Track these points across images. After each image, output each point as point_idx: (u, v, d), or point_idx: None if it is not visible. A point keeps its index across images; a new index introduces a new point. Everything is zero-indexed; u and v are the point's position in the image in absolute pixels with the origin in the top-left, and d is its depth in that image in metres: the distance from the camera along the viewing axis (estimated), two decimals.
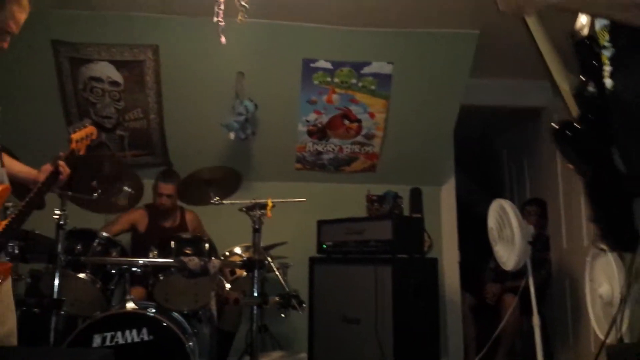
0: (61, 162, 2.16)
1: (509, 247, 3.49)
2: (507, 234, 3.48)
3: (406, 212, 4.75)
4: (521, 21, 1.36)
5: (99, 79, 4.02)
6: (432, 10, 3.72)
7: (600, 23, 1.33)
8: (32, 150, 3.62)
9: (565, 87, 1.36)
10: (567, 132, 1.33)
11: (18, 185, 2.12)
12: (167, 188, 3.92)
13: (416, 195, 4.81)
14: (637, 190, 1.22)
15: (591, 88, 1.32)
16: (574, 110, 1.34)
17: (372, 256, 3.84)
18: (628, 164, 1.25)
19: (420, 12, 3.75)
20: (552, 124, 1.35)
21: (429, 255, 4.45)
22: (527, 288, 3.53)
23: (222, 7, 2.79)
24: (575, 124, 1.32)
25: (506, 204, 3.51)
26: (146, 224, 3.99)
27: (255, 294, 3.00)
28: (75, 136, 2.33)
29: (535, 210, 4.61)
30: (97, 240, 3.10)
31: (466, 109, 4.50)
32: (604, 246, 1.49)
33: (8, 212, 2.28)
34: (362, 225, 4.00)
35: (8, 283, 1.99)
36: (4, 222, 1.91)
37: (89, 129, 2.43)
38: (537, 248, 3.87)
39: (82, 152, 2.39)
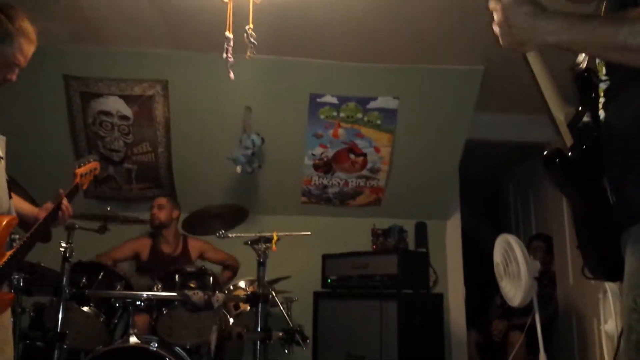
0: (64, 201, 2.16)
1: (515, 283, 3.46)
2: (513, 270, 3.45)
3: (411, 247, 4.73)
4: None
5: (108, 113, 4.08)
6: (437, 47, 3.78)
7: None
8: (39, 182, 3.67)
9: (560, 116, 1.39)
10: (558, 159, 1.34)
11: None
12: (159, 200, 4.05)
13: (421, 230, 4.79)
14: (626, 222, 1.23)
15: (587, 118, 1.34)
16: (568, 140, 1.36)
17: (377, 291, 3.82)
18: (617, 195, 1.27)
19: (425, 49, 3.81)
20: (544, 151, 1.37)
21: (434, 291, 4.42)
22: (533, 325, 3.49)
23: (231, 43, 2.85)
24: (566, 152, 1.34)
25: (512, 239, 3.50)
26: (148, 251, 4.02)
27: (259, 329, 2.98)
28: (79, 171, 2.40)
29: (542, 246, 4.58)
30: (102, 273, 3.11)
31: (472, 144, 4.53)
32: (588, 275, 1.48)
33: (14, 244, 2.29)
34: (367, 260, 3.99)
35: (7, 314, 2.00)
36: (9, 253, 1.92)
37: (93, 164, 2.49)
38: (543, 284, 3.84)
39: (85, 187, 2.45)
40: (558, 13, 1.19)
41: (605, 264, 1.37)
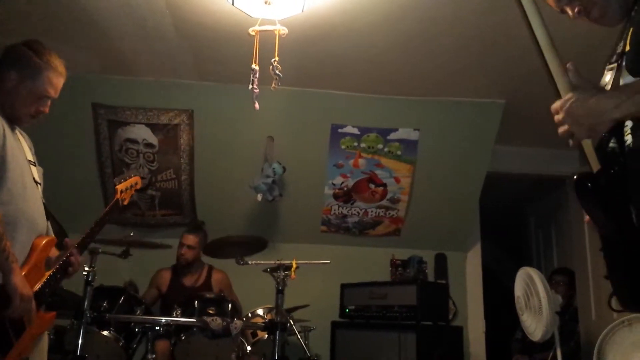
0: (74, 257, 2.01)
1: (536, 317, 3.42)
2: (535, 303, 3.41)
3: (431, 278, 4.70)
4: (545, 68, 1.41)
5: (134, 141, 4.18)
6: (458, 80, 3.82)
7: (624, 80, 1.38)
8: (66, 208, 3.75)
9: (587, 140, 1.39)
10: (588, 183, 1.35)
11: None
12: (189, 239, 4.03)
13: (441, 261, 4.77)
14: None
15: (612, 143, 1.35)
16: (595, 164, 1.35)
17: (395, 322, 3.79)
18: None
19: (446, 82, 3.85)
20: (575, 175, 1.37)
21: (454, 323, 4.37)
22: None
23: (257, 75, 2.90)
24: (596, 176, 1.34)
25: (533, 273, 3.47)
26: (168, 282, 4.04)
27: (276, 358, 2.98)
28: (120, 187, 2.39)
29: (563, 280, 4.50)
30: (122, 298, 3.15)
31: (493, 176, 4.52)
32: (616, 307, 1.45)
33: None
34: (386, 290, 3.98)
35: (45, 339, 2.01)
36: (48, 273, 1.94)
37: (134, 179, 2.49)
38: (565, 319, 3.77)
39: (126, 202, 2.43)
40: (613, 91, 1.27)
41: (635, 293, 1.36)
